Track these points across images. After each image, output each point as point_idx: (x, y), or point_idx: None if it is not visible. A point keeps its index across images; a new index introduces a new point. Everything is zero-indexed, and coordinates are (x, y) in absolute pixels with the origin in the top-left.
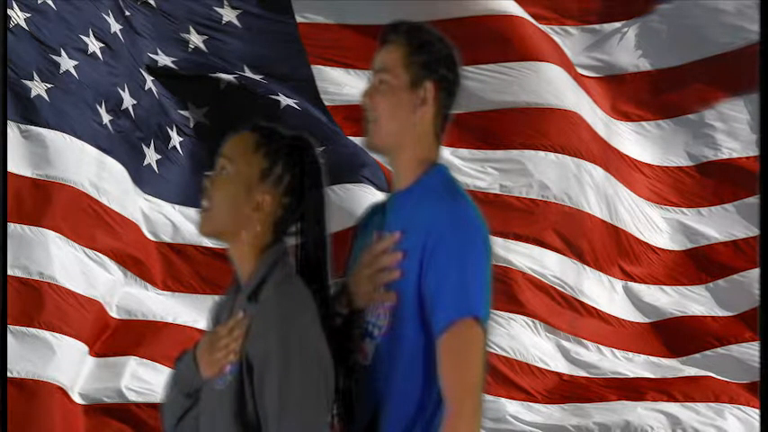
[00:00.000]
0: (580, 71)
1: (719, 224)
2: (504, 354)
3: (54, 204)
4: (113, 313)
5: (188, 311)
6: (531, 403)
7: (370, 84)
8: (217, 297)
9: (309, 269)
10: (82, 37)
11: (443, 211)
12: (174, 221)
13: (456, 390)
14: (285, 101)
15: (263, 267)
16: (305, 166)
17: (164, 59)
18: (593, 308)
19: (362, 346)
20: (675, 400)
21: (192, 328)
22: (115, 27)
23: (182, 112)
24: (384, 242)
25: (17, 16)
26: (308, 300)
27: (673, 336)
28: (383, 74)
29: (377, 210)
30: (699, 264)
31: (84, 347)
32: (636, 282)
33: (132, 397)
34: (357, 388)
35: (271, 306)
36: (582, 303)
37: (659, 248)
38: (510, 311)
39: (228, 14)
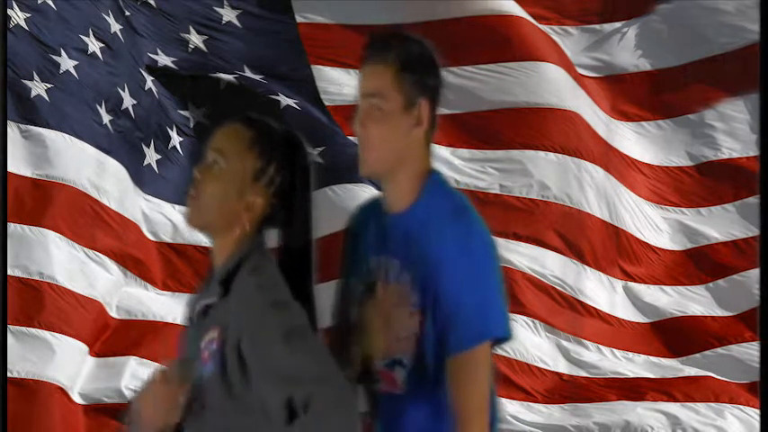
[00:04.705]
0: (580, 71)
1: (719, 224)
2: (505, 354)
3: (54, 204)
4: (113, 313)
5: None
6: (531, 403)
7: (361, 110)
8: None
9: (295, 276)
10: (82, 37)
11: (450, 236)
12: (174, 221)
13: (466, 410)
14: (285, 101)
15: (239, 254)
16: (296, 168)
17: (164, 59)
18: (593, 308)
19: (392, 375)
20: (675, 400)
21: None
22: (115, 27)
23: (182, 112)
24: (391, 294)
25: (17, 16)
26: (282, 280)
27: (673, 336)
28: (375, 99)
29: (367, 216)
30: (699, 264)
31: (84, 347)
32: (636, 282)
33: (132, 397)
34: (390, 417)
35: (246, 283)
36: (582, 303)
37: (659, 248)
38: (510, 311)
39: (228, 14)
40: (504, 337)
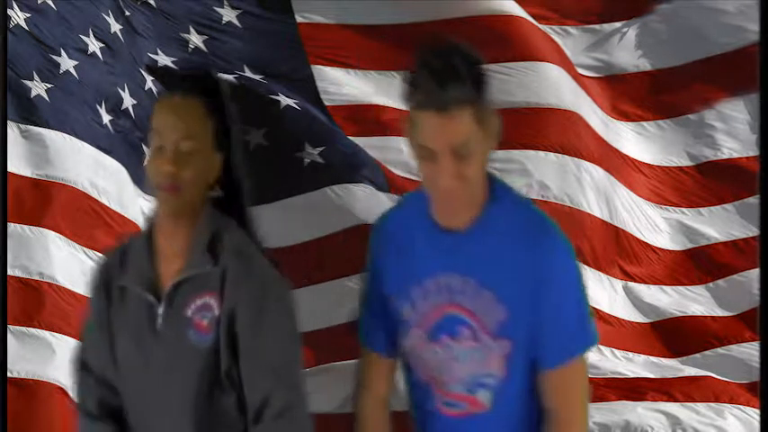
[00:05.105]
0: (580, 71)
1: (719, 224)
2: None
3: (54, 204)
4: None
5: None
6: None
7: (441, 163)
8: None
9: (234, 210)
10: (82, 37)
11: (541, 249)
12: None
13: (573, 421)
14: (285, 101)
15: (210, 220)
16: (229, 120)
17: (164, 59)
18: (593, 308)
19: (474, 398)
20: (675, 400)
21: None
22: (115, 27)
23: None
24: None
25: (17, 16)
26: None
27: (673, 336)
28: (465, 148)
29: (403, 231)
30: (699, 264)
31: None
32: (636, 282)
33: None
34: None
35: (247, 263)
36: None
37: (659, 248)
38: None
39: (228, 14)
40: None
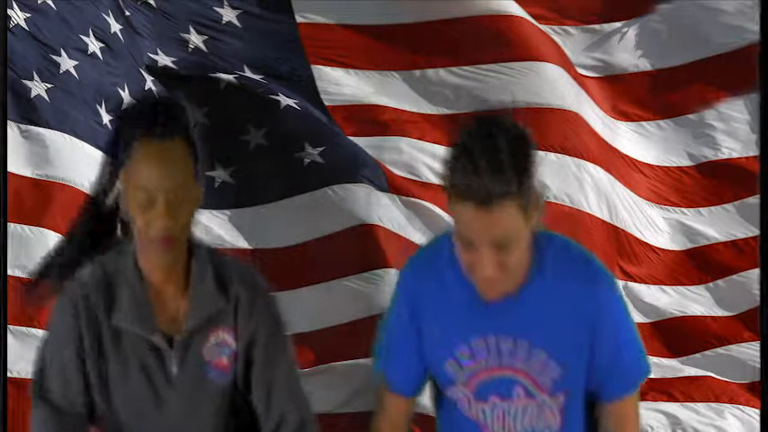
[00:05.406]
0: (580, 71)
1: (719, 224)
2: None
3: (54, 204)
4: None
5: None
6: None
7: (483, 251)
8: None
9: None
10: (82, 37)
11: (590, 302)
12: None
13: None
14: (285, 101)
15: (206, 255)
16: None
17: (164, 59)
18: None
19: None
20: (675, 400)
21: None
22: (115, 27)
23: None
24: None
25: (17, 16)
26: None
27: (673, 336)
28: (506, 239)
29: (439, 295)
30: (699, 264)
31: None
32: (636, 282)
33: None
34: None
35: (255, 291)
36: None
37: (659, 248)
38: None
39: (228, 14)
40: None
